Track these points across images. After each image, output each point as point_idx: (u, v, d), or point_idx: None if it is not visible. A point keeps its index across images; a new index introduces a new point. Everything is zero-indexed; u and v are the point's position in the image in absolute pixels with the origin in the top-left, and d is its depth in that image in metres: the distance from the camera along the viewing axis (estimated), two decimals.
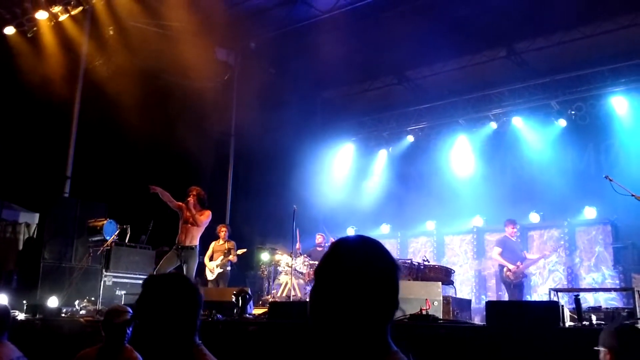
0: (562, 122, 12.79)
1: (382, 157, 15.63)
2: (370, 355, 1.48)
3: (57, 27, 11.77)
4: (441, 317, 6.09)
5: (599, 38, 11.66)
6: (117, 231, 9.78)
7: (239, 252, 10.52)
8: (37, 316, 7.96)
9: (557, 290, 8.50)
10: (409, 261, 8.82)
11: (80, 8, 11.61)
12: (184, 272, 8.01)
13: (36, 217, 11.26)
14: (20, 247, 11.13)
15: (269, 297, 10.32)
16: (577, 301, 5.24)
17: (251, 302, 7.41)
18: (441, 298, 6.69)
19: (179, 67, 12.20)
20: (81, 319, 7.37)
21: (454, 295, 8.38)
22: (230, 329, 6.18)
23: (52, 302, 8.44)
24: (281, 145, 13.76)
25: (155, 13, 11.67)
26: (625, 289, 10.16)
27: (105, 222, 9.88)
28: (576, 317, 5.11)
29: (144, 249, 10.58)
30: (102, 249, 9.46)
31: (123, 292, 9.37)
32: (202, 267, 10.11)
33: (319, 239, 11.59)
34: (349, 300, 1.45)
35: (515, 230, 10.08)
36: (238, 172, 14.60)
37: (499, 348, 4.53)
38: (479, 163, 13.84)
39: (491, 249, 10.89)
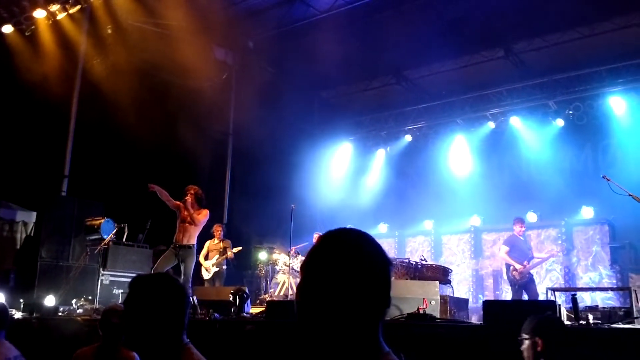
0: (560, 122, 12.82)
1: (380, 157, 15.64)
2: (360, 356, 1.38)
3: (55, 25, 11.75)
4: (438, 317, 6.10)
5: (596, 38, 11.68)
6: (115, 230, 9.77)
7: (235, 250, 10.53)
8: (34, 315, 7.96)
9: (554, 290, 8.52)
10: (407, 260, 8.84)
11: (79, 7, 11.60)
12: (182, 271, 8.02)
13: (33, 215, 11.25)
14: (18, 246, 11.12)
15: (267, 296, 10.34)
16: (574, 300, 5.26)
17: (249, 301, 7.42)
18: (438, 297, 6.70)
19: (177, 66, 12.18)
20: (78, 318, 7.38)
21: (452, 295, 8.39)
22: (228, 327, 6.19)
23: (50, 301, 8.44)
24: (279, 145, 13.76)
25: (153, 12, 11.66)
26: (622, 289, 10.17)
27: (102, 221, 9.87)
28: (573, 316, 5.13)
29: (142, 247, 10.57)
30: (99, 247, 9.45)
31: (120, 291, 9.36)
32: (198, 266, 10.11)
33: (316, 238, 11.58)
34: (337, 297, 1.36)
35: (523, 228, 9.95)
36: (236, 171, 14.59)
37: (496, 347, 4.54)
38: (476, 163, 13.86)
39: (499, 247, 10.82)
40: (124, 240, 10.29)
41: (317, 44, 11.53)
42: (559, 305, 4.86)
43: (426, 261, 9.06)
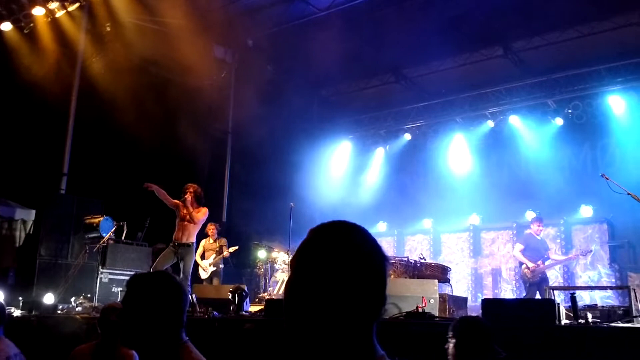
0: (559, 121, 12.82)
1: (380, 155, 15.64)
2: (352, 359, 1.27)
3: (54, 23, 11.73)
4: (437, 315, 6.10)
5: (596, 37, 11.67)
6: (114, 228, 9.76)
7: (231, 249, 10.51)
8: (34, 313, 7.96)
9: (553, 289, 8.52)
10: (406, 259, 8.83)
11: (77, 4, 11.59)
12: (181, 269, 8.03)
13: (33, 213, 11.23)
14: (17, 244, 11.11)
15: (266, 294, 10.32)
16: (573, 299, 5.26)
17: (247, 300, 7.42)
18: (437, 296, 6.69)
19: (176, 65, 12.18)
20: (77, 316, 7.37)
21: (450, 293, 8.39)
22: (227, 326, 6.19)
23: (48, 299, 8.44)
24: (278, 143, 13.75)
25: (152, 10, 11.64)
26: (621, 287, 10.17)
27: (101, 219, 9.87)
28: (572, 315, 5.13)
29: (141, 246, 10.56)
30: (98, 245, 9.45)
31: (119, 289, 9.36)
32: (195, 266, 10.10)
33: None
34: (328, 295, 1.25)
35: (541, 227, 9.82)
36: (235, 170, 14.58)
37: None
38: (475, 161, 13.87)
39: (512, 245, 10.69)
40: (122, 238, 10.28)
41: (317, 42, 11.52)
42: (558, 304, 4.86)
43: (425, 260, 9.05)
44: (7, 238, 11.19)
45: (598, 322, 5.26)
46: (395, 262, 8.41)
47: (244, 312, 7.08)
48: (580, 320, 5.02)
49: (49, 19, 11.64)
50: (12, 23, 11.62)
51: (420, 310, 5.73)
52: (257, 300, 9.86)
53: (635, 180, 9.04)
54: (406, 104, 14.87)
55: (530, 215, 12.44)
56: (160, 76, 12.35)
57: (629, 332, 4.49)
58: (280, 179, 13.18)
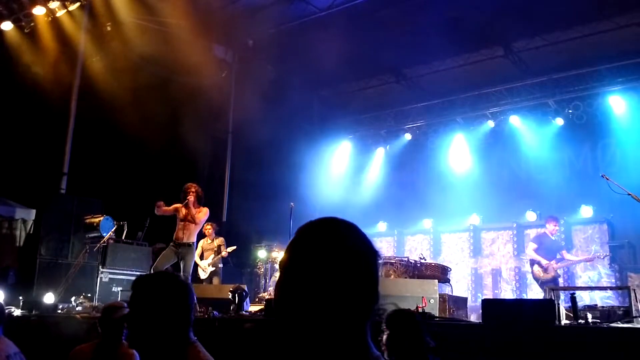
0: (560, 121, 12.81)
1: (380, 155, 15.63)
2: None
3: (55, 22, 11.73)
4: (437, 315, 6.10)
5: (596, 37, 11.67)
6: (114, 228, 9.76)
7: (229, 249, 10.51)
8: (34, 312, 7.96)
9: (553, 289, 8.50)
10: (406, 259, 8.83)
11: (78, 4, 11.59)
12: (181, 269, 8.03)
13: (33, 213, 11.23)
14: (18, 244, 11.11)
15: (266, 294, 10.32)
16: (573, 300, 5.26)
17: (248, 299, 7.42)
18: (437, 296, 6.69)
19: (176, 64, 12.18)
20: (77, 316, 7.37)
21: (451, 293, 8.38)
22: (227, 326, 6.19)
23: (49, 298, 8.44)
24: (278, 143, 13.75)
25: (153, 10, 11.64)
26: (621, 288, 10.14)
27: (101, 218, 9.86)
28: (572, 315, 5.13)
29: (141, 245, 10.57)
30: (98, 245, 9.44)
31: (119, 288, 9.37)
32: (194, 266, 10.11)
33: None
34: (319, 294, 1.21)
35: (557, 227, 9.75)
36: (235, 169, 14.58)
37: (495, 346, 4.55)
38: (476, 161, 13.86)
39: (526, 245, 10.51)
40: (123, 238, 10.28)
41: (317, 42, 11.52)
42: (558, 304, 4.86)
43: (425, 260, 9.05)
44: (7, 237, 11.19)
45: (598, 322, 5.26)
46: (395, 262, 8.41)
47: (244, 312, 7.08)
48: (580, 321, 5.02)
49: (50, 19, 11.64)
50: (13, 22, 11.62)
51: (420, 310, 5.73)
52: (257, 300, 9.87)
53: (635, 180, 9.04)
54: (406, 104, 14.87)
55: (531, 215, 12.48)
56: (160, 76, 12.35)
57: (629, 333, 4.50)
58: (280, 178, 13.19)
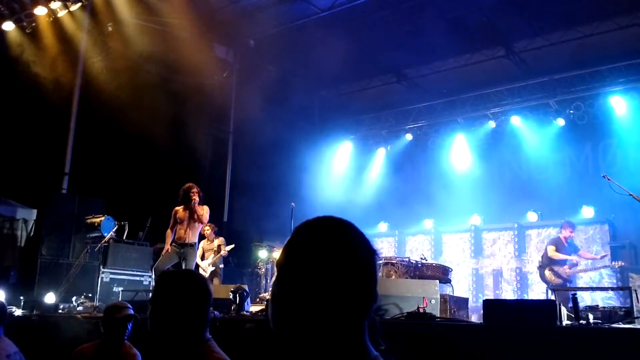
0: (561, 122, 12.81)
1: (381, 156, 15.63)
2: None
3: (56, 23, 11.75)
4: (438, 316, 6.09)
5: (597, 38, 11.66)
6: (115, 228, 9.76)
7: (228, 248, 10.51)
8: (35, 312, 7.96)
9: (554, 289, 8.49)
10: (407, 259, 8.82)
11: (79, 4, 11.60)
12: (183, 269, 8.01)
13: (34, 213, 11.25)
14: (19, 243, 11.13)
15: (266, 294, 10.33)
16: (574, 300, 5.25)
17: (248, 300, 7.42)
18: (438, 296, 6.68)
19: (177, 65, 12.19)
20: (78, 316, 7.37)
21: (452, 294, 8.37)
22: (228, 326, 6.18)
23: (50, 298, 8.45)
24: (279, 143, 13.75)
25: (154, 10, 11.65)
26: (622, 288, 10.12)
27: (102, 218, 9.87)
28: (573, 316, 5.12)
29: (142, 245, 10.57)
30: (99, 245, 9.44)
31: (120, 288, 9.37)
32: (194, 267, 10.11)
33: None
34: (315, 294, 1.19)
35: (572, 235, 9.55)
36: (236, 169, 14.59)
37: (496, 347, 4.54)
38: (477, 162, 13.86)
39: (544, 248, 10.16)
40: (124, 238, 10.30)
41: (318, 42, 11.53)
42: (559, 304, 4.85)
43: (426, 260, 9.04)
44: (9, 237, 11.20)
45: (599, 323, 5.25)
46: (396, 263, 8.41)
47: (245, 312, 7.07)
48: (581, 321, 5.01)
49: (51, 19, 11.65)
50: (14, 23, 11.64)
51: (421, 310, 5.72)
52: (258, 300, 9.86)
53: (636, 181, 9.03)
54: (408, 104, 14.87)
55: (532, 215, 12.47)
56: (161, 76, 12.36)
57: (630, 333, 4.49)
58: (281, 178, 13.19)
